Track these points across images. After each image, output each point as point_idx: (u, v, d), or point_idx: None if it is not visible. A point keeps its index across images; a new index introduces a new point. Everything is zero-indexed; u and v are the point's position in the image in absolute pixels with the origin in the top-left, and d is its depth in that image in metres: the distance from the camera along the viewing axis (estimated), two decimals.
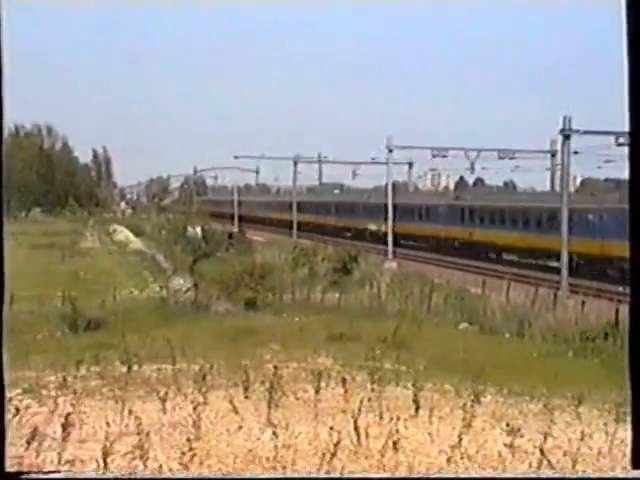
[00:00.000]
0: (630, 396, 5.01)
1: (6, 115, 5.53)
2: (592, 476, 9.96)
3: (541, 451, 10.26)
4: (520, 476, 10.12)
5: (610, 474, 10.22)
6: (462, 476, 10.13)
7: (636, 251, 4.83)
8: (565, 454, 10.79)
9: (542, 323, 25.88)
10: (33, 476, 5.38)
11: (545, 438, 10.80)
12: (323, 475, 9.88)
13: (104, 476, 9.56)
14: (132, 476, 9.67)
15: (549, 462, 10.10)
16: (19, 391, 14.97)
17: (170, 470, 10.11)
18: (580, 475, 9.98)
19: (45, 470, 9.54)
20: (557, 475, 10.03)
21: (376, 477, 10.10)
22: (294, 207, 76.91)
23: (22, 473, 5.18)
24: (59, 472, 8.94)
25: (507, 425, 11.26)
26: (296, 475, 10.05)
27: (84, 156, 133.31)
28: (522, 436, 11.19)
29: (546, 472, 10.00)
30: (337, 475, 9.95)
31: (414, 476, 10.02)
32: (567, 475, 9.96)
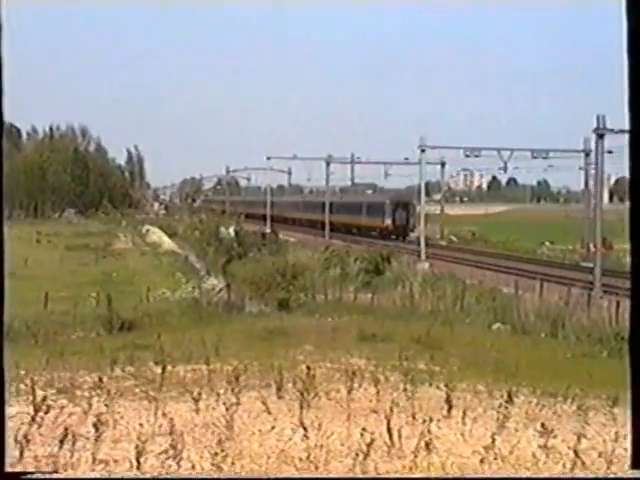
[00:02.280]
0: (630, 396, 4.98)
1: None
2: (592, 476, 9.91)
3: (575, 452, 10.20)
4: (521, 476, 10.09)
5: (610, 474, 10.15)
6: (464, 476, 10.10)
7: (636, 251, 4.78)
8: (600, 455, 10.72)
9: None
10: (33, 476, 5.40)
11: (579, 439, 10.74)
12: (325, 475, 9.89)
13: (105, 476, 9.60)
14: (133, 476, 9.71)
15: (583, 463, 10.05)
16: (54, 391, 15.07)
17: (203, 470, 10.15)
18: (580, 475, 9.92)
19: (46, 470, 9.58)
20: (557, 475, 9.98)
21: (382, 477, 10.10)
22: (327, 207, 76.93)
23: (22, 473, 5.21)
24: (59, 472, 8.99)
25: (541, 426, 11.21)
26: (299, 475, 10.06)
27: (118, 157, 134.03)
28: (556, 437, 11.13)
29: (545, 473, 9.99)
30: (340, 475, 9.96)
31: (410, 476, 10.01)
32: (568, 475, 9.91)
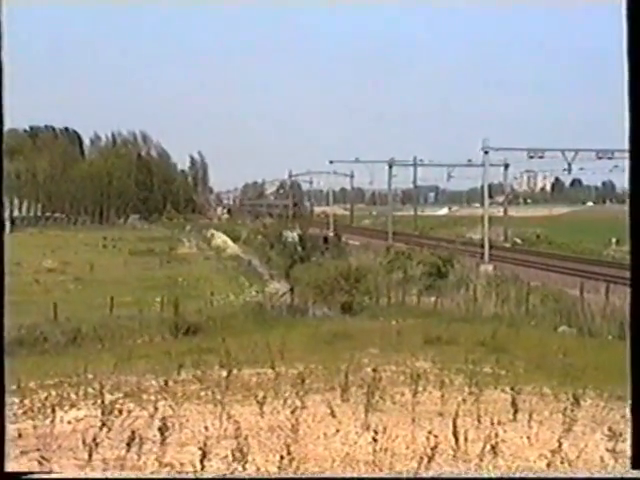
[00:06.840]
0: (630, 397, 4.90)
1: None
2: (592, 476, 9.76)
3: None
4: (522, 476, 9.97)
5: (610, 474, 9.98)
6: (463, 476, 10.01)
7: (636, 251, 4.72)
8: None
9: None
10: (33, 476, 5.43)
11: None
12: (327, 475, 9.86)
13: (103, 476, 9.65)
14: (133, 476, 9.75)
15: None
16: (121, 395, 15.22)
17: (268, 473, 10.18)
18: (580, 475, 9.78)
19: (45, 470, 9.66)
20: (557, 475, 9.85)
21: (378, 477, 10.05)
22: (390, 210, 76.84)
23: (22, 473, 5.25)
24: (58, 472, 9.05)
25: (609, 429, 11.05)
26: (300, 475, 10.04)
27: (180, 163, 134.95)
28: (624, 441, 10.97)
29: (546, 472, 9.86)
30: (341, 475, 9.94)
31: (406, 476, 9.95)
32: (568, 475, 9.77)
